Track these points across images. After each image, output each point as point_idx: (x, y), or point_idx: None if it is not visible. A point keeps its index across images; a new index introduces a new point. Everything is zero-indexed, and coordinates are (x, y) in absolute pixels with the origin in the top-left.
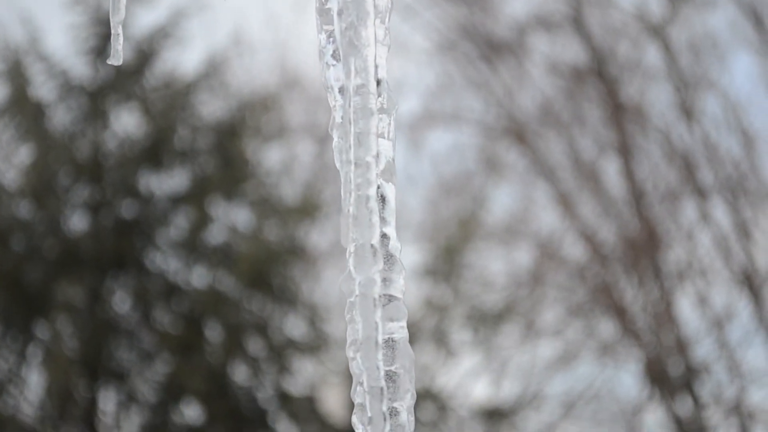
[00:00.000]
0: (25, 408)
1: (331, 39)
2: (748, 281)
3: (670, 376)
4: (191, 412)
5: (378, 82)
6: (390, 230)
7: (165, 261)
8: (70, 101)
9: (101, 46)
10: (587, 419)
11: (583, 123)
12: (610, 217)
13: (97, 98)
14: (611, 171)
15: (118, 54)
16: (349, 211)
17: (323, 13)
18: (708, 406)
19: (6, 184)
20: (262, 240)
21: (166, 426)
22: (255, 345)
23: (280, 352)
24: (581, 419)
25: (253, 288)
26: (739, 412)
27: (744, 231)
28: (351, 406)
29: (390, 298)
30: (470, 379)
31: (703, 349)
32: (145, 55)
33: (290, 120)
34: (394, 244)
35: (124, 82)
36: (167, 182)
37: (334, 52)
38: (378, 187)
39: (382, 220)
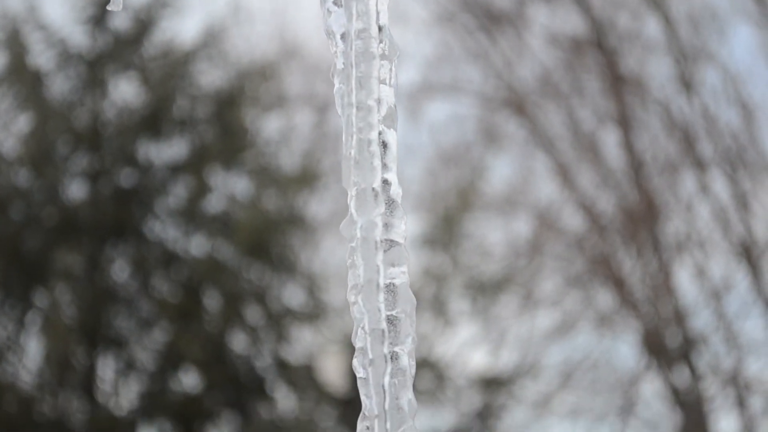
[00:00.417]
0: (23, 375)
1: None
2: (747, 253)
3: (668, 346)
4: (189, 379)
5: (379, 28)
6: (391, 176)
7: (164, 229)
8: (68, 70)
9: (99, 15)
10: (584, 389)
11: (583, 94)
12: (609, 188)
13: (96, 67)
14: (610, 142)
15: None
16: (350, 154)
17: None
18: (705, 376)
19: (5, 153)
20: (260, 209)
21: (165, 393)
22: (253, 314)
23: (279, 321)
24: (578, 389)
25: (252, 257)
26: (736, 383)
27: (743, 203)
28: (349, 375)
29: (391, 243)
30: (468, 349)
31: (701, 320)
32: (143, 24)
33: (289, 89)
34: (395, 189)
35: (122, 51)
36: (166, 151)
37: None
38: (379, 133)
39: (384, 165)
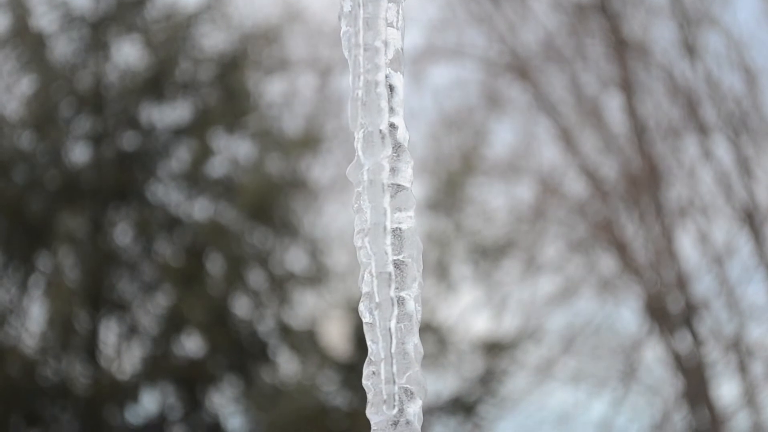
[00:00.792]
0: (26, 339)
1: None
2: (749, 218)
3: (670, 312)
4: (192, 343)
5: None
6: (398, 120)
7: (166, 193)
8: (71, 32)
9: None
10: (586, 354)
11: (586, 59)
12: (612, 153)
13: (99, 29)
14: (613, 107)
15: None
16: (357, 95)
17: None
18: (707, 342)
19: (7, 115)
20: (263, 172)
21: (167, 357)
22: (256, 277)
23: (281, 285)
24: (580, 354)
25: (255, 220)
26: (738, 348)
27: (745, 168)
28: (352, 339)
29: (398, 188)
30: (471, 314)
31: (703, 286)
32: None
33: (292, 53)
34: (402, 133)
35: (125, 13)
36: (169, 114)
37: None
38: (386, 76)
39: (391, 109)
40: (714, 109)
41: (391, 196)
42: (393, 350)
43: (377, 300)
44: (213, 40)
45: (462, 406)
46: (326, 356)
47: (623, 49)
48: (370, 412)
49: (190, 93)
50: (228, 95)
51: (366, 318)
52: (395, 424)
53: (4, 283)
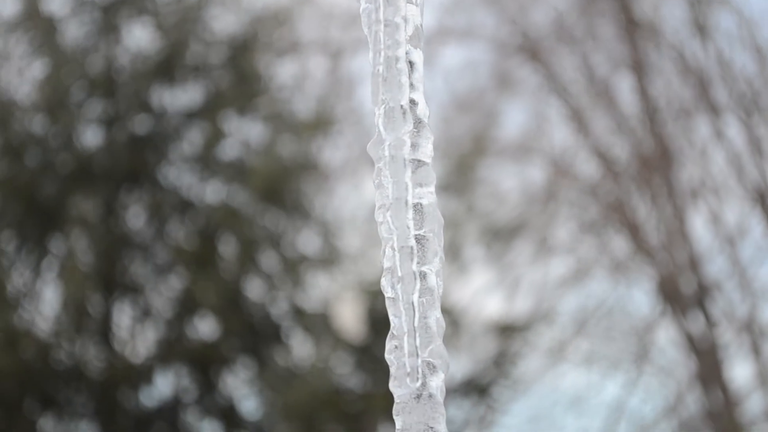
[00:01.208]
0: (40, 322)
1: None
2: (761, 199)
3: (682, 293)
4: (205, 326)
5: None
6: (418, 96)
7: (178, 176)
8: (82, 16)
9: None
10: (599, 336)
11: (597, 39)
12: (623, 134)
13: (110, 13)
14: (624, 88)
15: None
16: (378, 71)
17: None
18: (720, 323)
19: (19, 100)
20: (275, 155)
21: (181, 340)
22: (268, 260)
23: (294, 268)
24: (593, 336)
25: (267, 203)
26: (751, 329)
27: (757, 148)
28: (366, 321)
29: (418, 163)
30: (483, 295)
31: (716, 267)
32: None
33: (303, 35)
34: (422, 109)
35: None
36: (180, 97)
37: None
38: (406, 53)
39: (411, 85)
40: (725, 89)
41: (412, 172)
42: (416, 324)
43: (399, 274)
44: (224, 22)
45: (475, 388)
46: (339, 338)
47: (634, 29)
48: (393, 386)
49: (202, 76)
50: (239, 78)
51: (388, 293)
52: (418, 397)
53: (17, 266)
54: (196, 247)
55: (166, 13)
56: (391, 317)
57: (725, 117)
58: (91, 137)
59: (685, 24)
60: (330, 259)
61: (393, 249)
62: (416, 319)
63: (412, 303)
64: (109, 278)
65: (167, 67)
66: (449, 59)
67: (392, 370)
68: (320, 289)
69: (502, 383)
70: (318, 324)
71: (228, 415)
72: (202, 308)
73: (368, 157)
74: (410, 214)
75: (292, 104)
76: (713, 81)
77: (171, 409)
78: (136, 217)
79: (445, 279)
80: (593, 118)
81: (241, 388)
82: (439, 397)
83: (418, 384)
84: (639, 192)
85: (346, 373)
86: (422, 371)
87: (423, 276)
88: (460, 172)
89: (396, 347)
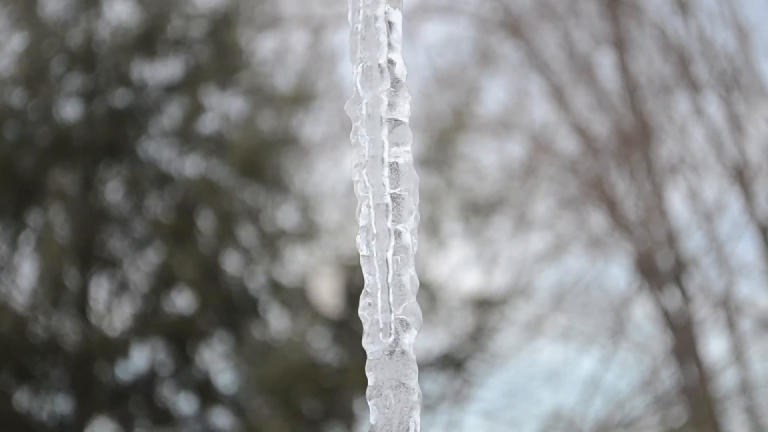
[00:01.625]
0: (16, 295)
1: None
2: (739, 176)
3: (660, 269)
4: (183, 300)
5: None
6: (396, 56)
7: (158, 150)
8: None
9: None
10: (576, 311)
11: (579, 16)
12: (604, 110)
13: None
14: (605, 64)
15: None
16: (357, 29)
17: None
18: (696, 299)
19: None
20: (255, 129)
21: (158, 314)
22: (247, 234)
23: (272, 242)
24: (570, 311)
25: (246, 177)
26: (727, 305)
27: (736, 125)
28: (342, 295)
29: (395, 123)
30: (461, 270)
31: (693, 243)
32: None
33: (284, 9)
34: (400, 69)
35: None
36: (160, 71)
37: None
38: (385, 13)
39: (389, 45)
40: (706, 66)
41: (389, 131)
42: (390, 281)
43: (375, 231)
44: None
45: (452, 362)
46: (317, 313)
47: (616, 6)
48: (366, 343)
49: (182, 50)
50: (220, 52)
51: (363, 250)
52: (391, 353)
53: None
54: (174, 221)
55: None
56: (365, 275)
57: (705, 94)
58: (70, 111)
59: (666, 1)
60: (308, 233)
61: (368, 207)
62: (390, 276)
63: (387, 260)
64: (86, 252)
65: (148, 40)
66: (431, 34)
67: (365, 327)
68: (298, 263)
69: (478, 357)
70: (295, 298)
71: (204, 388)
72: (180, 282)
73: (348, 132)
74: (386, 172)
75: (272, 79)
76: (694, 58)
77: (147, 383)
78: (114, 190)
79: (423, 253)
80: (574, 95)
81: (217, 361)
82: (412, 353)
83: (391, 340)
84: (618, 168)
85: (323, 347)
86: (395, 328)
87: (398, 234)
88: (440, 148)
89: (369, 304)
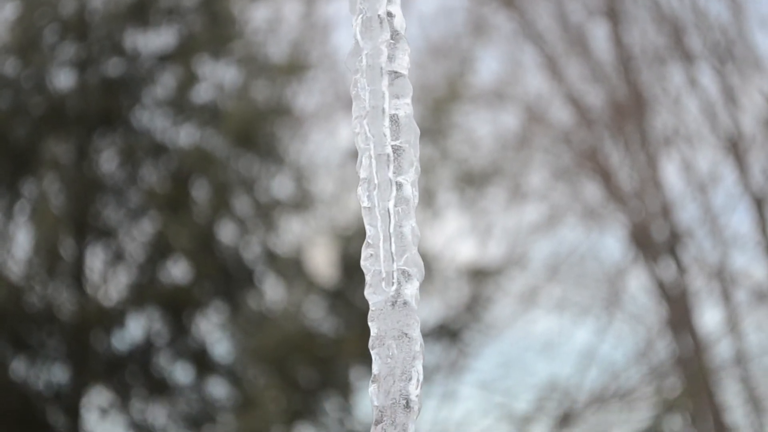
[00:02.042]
0: (12, 265)
1: None
2: (734, 147)
3: (654, 240)
4: (178, 270)
5: None
6: (395, 8)
7: (152, 119)
8: None
9: None
10: (571, 282)
11: None
12: (598, 81)
13: None
14: (599, 35)
15: None
16: None
17: None
18: (691, 270)
19: None
20: (249, 99)
21: (153, 284)
22: (242, 204)
23: (267, 212)
24: (565, 282)
25: (240, 147)
26: (722, 276)
27: (730, 97)
28: (338, 265)
29: (395, 75)
30: (456, 240)
31: (688, 214)
32: None
33: None
34: (399, 21)
35: None
36: (154, 40)
37: None
38: None
39: None
40: (700, 37)
41: (389, 83)
42: (391, 230)
43: (376, 182)
44: None
45: (447, 333)
46: (312, 282)
47: None
48: (368, 293)
49: (175, 19)
50: (213, 21)
51: (364, 202)
52: (393, 304)
53: None
54: (169, 191)
55: None
56: (367, 226)
57: (699, 65)
58: (63, 80)
59: None
60: (303, 203)
61: (370, 158)
62: (392, 225)
63: (388, 210)
64: (81, 222)
65: (141, 9)
66: (425, 5)
67: (367, 277)
68: (293, 233)
69: (473, 328)
70: (291, 268)
71: (200, 358)
72: (175, 252)
73: (342, 103)
74: (387, 122)
75: (266, 48)
76: (688, 29)
77: (143, 353)
78: (109, 160)
79: (418, 223)
80: (568, 66)
81: (213, 331)
82: (414, 304)
83: (393, 289)
84: (612, 139)
85: (318, 317)
86: (397, 278)
87: (399, 186)
88: (435, 118)
89: (371, 255)
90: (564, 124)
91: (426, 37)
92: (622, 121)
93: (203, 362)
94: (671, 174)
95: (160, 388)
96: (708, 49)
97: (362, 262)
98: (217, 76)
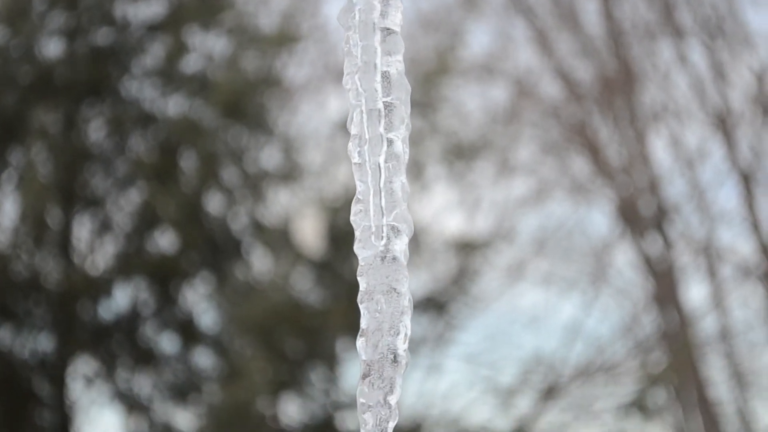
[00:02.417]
0: None
1: None
2: (722, 123)
3: (641, 215)
4: (165, 240)
5: None
6: None
7: (140, 89)
8: None
9: None
10: (558, 256)
11: None
12: (587, 56)
13: None
14: (590, 10)
15: None
16: None
17: None
18: (677, 245)
19: None
20: (238, 70)
21: (140, 254)
22: (230, 175)
23: (255, 183)
24: (552, 256)
25: (229, 118)
26: (708, 252)
27: (719, 73)
28: (325, 237)
29: (387, 32)
30: (444, 213)
31: (675, 190)
32: None
33: None
34: None
35: None
36: (143, 10)
37: None
38: None
39: None
40: (690, 13)
41: (381, 40)
42: (381, 185)
43: (367, 137)
44: None
45: (434, 305)
46: (299, 254)
47: None
48: (357, 248)
49: None
50: None
51: (355, 158)
52: (382, 259)
53: None
54: (157, 161)
55: None
56: (357, 182)
57: (689, 41)
58: (52, 49)
59: None
60: (291, 174)
61: (361, 113)
62: (382, 180)
63: (379, 165)
64: (69, 191)
65: None
66: None
67: (357, 233)
68: (281, 204)
69: (460, 301)
70: (278, 239)
71: (186, 328)
72: (162, 222)
73: (332, 75)
74: (378, 77)
75: (256, 19)
76: (678, 4)
77: (129, 322)
78: (97, 129)
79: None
80: (558, 40)
81: (200, 302)
82: (403, 259)
83: (383, 244)
84: (601, 114)
85: (305, 288)
86: (387, 233)
87: (389, 142)
88: (424, 91)
89: (361, 210)
90: (553, 99)
91: (417, 10)
92: (611, 96)
93: (189, 332)
94: (659, 149)
95: (146, 357)
96: (698, 24)
97: (352, 218)
98: (206, 47)
